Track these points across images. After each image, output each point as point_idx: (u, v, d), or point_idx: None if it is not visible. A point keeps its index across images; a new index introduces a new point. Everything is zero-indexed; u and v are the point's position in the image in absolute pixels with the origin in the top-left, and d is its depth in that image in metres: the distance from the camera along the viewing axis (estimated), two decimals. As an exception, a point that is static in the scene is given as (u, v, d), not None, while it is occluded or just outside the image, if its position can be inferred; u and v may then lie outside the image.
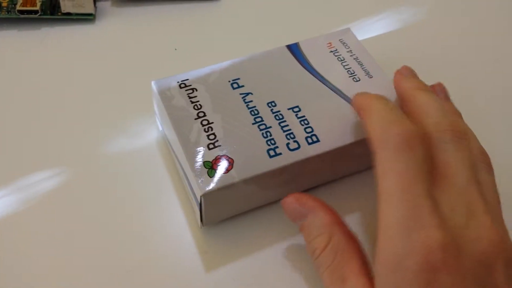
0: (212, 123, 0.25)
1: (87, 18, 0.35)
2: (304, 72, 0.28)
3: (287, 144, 0.24)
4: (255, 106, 0.26)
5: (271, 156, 0.24)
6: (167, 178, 0.27)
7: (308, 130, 0.25)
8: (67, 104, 0.30)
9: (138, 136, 0.29)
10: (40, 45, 0.34)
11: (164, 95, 0.26)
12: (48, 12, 0.34)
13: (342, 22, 0.36)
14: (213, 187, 0.23)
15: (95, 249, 0.25)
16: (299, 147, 0.24)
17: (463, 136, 0.21)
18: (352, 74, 0.28)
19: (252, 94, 0.26)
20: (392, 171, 0.19)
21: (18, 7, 0.33)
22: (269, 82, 0.27)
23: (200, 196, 0.23)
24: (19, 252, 0.24)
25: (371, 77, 0.28)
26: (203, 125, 0.25)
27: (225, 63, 0.28)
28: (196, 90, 0.26)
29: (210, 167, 0.23)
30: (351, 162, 0.27)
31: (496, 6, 0.38)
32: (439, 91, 0.26)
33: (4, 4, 0.34)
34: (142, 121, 0.30)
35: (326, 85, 0.27)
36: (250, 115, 0.25)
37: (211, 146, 0.24)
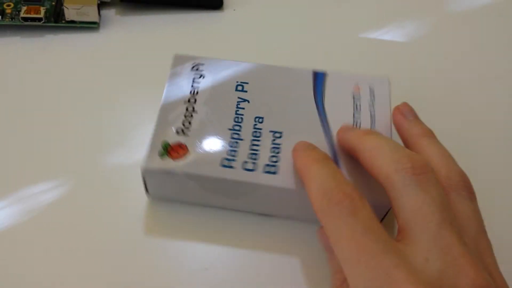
0: (195, 112, 0.26)
1: (91, 26, 0.35)
2: (311, 103, 0.26)
3: (244, 162, 0.24)
4: (242, 115, 0.26)
5: (222, 165, 0.24)
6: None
7: (273, 159, 0.24)
8: (70, 113, 0.30)
9: (142, 147, 0.29)
10: (43, 52, 0.33)
11: (174, 70, 0.28)
12: (52, 19, 0.34)
13: (347, 31, 0.36)
14: (153, 167, 0.24)
15: (96, 261, 0.24)
16: (252, 170, 0.24)
17: (425, 170, 0.19)
18: (355, 124, 0.26)
19: (248, 102, 0.26)
20: (342, 239, 0.18)
21: (22, 14, 0.33)
22: (272, 98, 0.27)
23: (141, 168, 0.24)
24: (20, 263, 0.24)
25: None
26: (187, 111, 0.26)
27: (245, 64, 0.28)
28: (203, 78, 0.27)
29: (166, 148, 0.24)
30: (303, 209, 0.25)
31: (500, 24, 0.39)
32: (406, 112, 0.25)
33: (8, 11, 0.34)
34: (145, 131, 0.30)
35: (323, 126, 0.25)
36: (232, 120, 0.25)
37: (179, 131, 0.25)
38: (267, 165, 0.24)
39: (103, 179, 0.27)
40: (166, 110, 0.26)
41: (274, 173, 0.24)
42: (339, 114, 0.26)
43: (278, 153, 0.24)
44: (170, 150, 0.24)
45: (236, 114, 0.26)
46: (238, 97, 0.26)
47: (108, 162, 0.28)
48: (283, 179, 0.24)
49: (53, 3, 0.35)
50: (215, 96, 0.26)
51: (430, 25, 0.38)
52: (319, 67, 0.35)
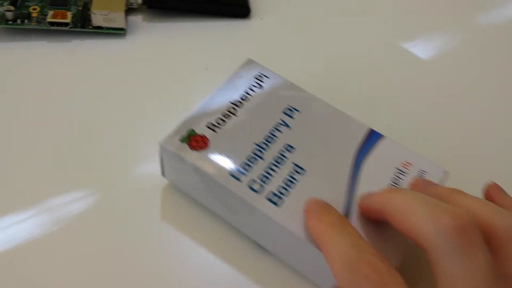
0: (235, 115, 0.26)
1: (118, 32, 0.34)
2: (349, 155, 0.25)
3: (252, 181, 0.23)
4: (276, 137, 0.25)
5: (231, 174, 0.23)
6: (197, 208, 0.26)
7: (282, 190, 0.23)
8: (96, 121, 0.30)
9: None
10: (69, 58, 0.33)
11: (239, 71, 0.28)
12: (79, 25, 0.34)
13: (375, 40, 0.36)
14: (169, 148, 0.24)
15: (121, 273, 0.24)
16: (256, 191, 0.23)
17: (469, 228, 0.17)
18: (215, 124, 0.25)
19: (289, 128, 0.26)
20: None
21: (48, 19, 0.33)
22: (314, 135, 0.25)
23: (159, 144, 0.24)
24: (47, 273, 0.24)
25: None
26: (227, 111, 0.26)
27: (306, 92, 0.27)
28: (260, 88, 0.27)
29: (189, 136, 0.24)
30: (299, 259, 0.24)
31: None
32: (427, 184, 0.23)
33: (34, 15, 0.33)
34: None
35: (350, 181, 0.24)
36: (262, 137, 0.25)
37: (211, 125, 0.25)
38: (273, 193, 0.23)
39: (130, 189, 0.27)
40: (210, 103, 0.26)
41: (276, 204, 0.23)
42: (373, 179, 0.24)
43: (290, 187, 0.23)
44: (192, 139, 0.24)
45: (270, 133, 0.25)
46: (281, 119, 0.26)
47: (135, 172, 0.28)
48: (283, 215, 0.22)
49: (79, 8, 0.35)
50: (261, 109, 0.26)
51: (460, 38, 0.38)
52: (340, 76, 0.34)
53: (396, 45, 0.36)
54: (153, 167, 0.28)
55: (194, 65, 0.34)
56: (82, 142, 0.29)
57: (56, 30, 0.34)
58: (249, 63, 0.28)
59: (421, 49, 0.37)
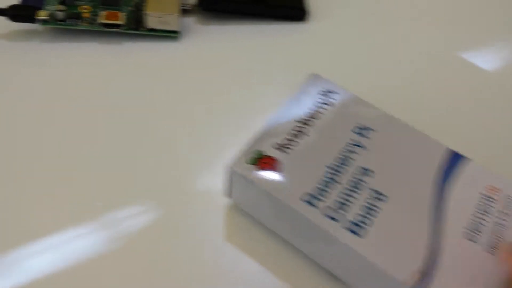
0: (306, 135, 0.24)
1: (171, 35, 0.33)
2: (428, 180, 0.23)
3: (328, 207, 0.22)
4: (350, 158, 0.23)
5: (303, 199, 0.22)
6: (264, 231, 0.25)
7: (362, 219, 0.21)
8: (152, 129, 0.28)
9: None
10: (122, 61, 0.32)
11: (304, 87, 0.26)
12: (132, 26, 0.32)
13: (439, 48, 0.34)
14: (237, 170, 0.23)
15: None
16: (335, 219, 0.21)
17: None
18: (472, 230, 0.22)
19: (363, 149, 0.24)
20: None
21: (101, 20, 0.31)
22: (391, 157, 0.24)
23: (228, 166, 0.23)
24: (109, 298, 0.23)
25: (492, 251, 0.21)
26: (295, 131, 0.24)
27: (378, 110, 0.25)
28: (328, 104, 0.26)
29: (257, 158, 0.23)
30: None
31: None
32: None
33: (86, 15, 0.32)
34: (236, 153, 0.28)
35: (434, 209, 0.22)
36: (334, 159, 0.23)
37: (279, 146, 0.24)
38: (353, 223, 0.21)
39: (193, 206, 0.26)
40: (275, 121, 0.25)
41: (358, 235, 0.21)
42: (458, 206, 0.22)
43: (372, 215, 0.22)
44: (261, 161, 0.23)
45: (343, 155, 0.24)
46: (354, 139, 0.24)
47: (197, 188, 0.26)
48: (368, 247, 0.21)
49: (131, 9, 0.33)
50: (330, 128, 0.24)
51: (527, 48, 0.36)
52: (404, 88, 0.32)
53: (458, 56, 0.35)
54: (215, 184, 0.26)
55: (251, 72, 0.32)
56: (138, 154, 0.27)
57: (107, 32, 0.32)
58: (314, 77, 0.27)
59: (487, 59, 0.35)
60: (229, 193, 0.25)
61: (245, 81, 0.31)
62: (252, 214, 0.25)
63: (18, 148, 0.27)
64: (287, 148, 0.24)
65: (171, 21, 0.32)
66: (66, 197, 0.25)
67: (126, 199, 0.26)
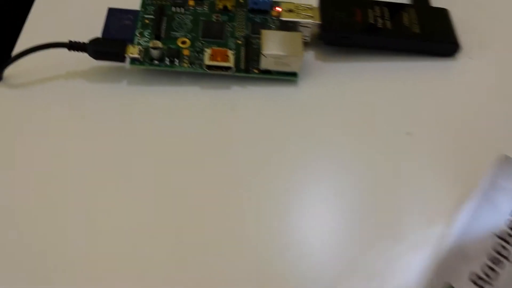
0: (508, 260, 0.18)
1: (290, 78, 0.26)
2: None
3: None
4: None
5: None
6: None
7: None
8: (275, 191, 0.22)
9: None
10: (231, 111, 0.25)
11: (494, 177, 0.20)
12: (241, 67, 0.26)
13: None
14: None
15: None
16: None
17: None
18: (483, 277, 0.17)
19: None
20: None
21: (206, 61, 0.25)
22: None
23: None
24: None
25: None
26: (497, 252, 0.18)
27: None
28: None
29: None
30: None
31: None
32: None
33: (185, 52, 0.26)
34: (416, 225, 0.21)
35: None
36: None
37: (476, 279, 0.17)
38: None
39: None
40: (462, 233, 0.18)
41: None
42: None
43: None
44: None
45: None
46: None
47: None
48: None
49: (239, 42, 0.26)
50: None
51: None
52: None
53: None
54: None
55: (390, 125, 0.25)
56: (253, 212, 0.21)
57: (211, 74, 0.26)
58: (507, 161, 0.20)
59: None
60: None
61: (387, 143, 0.25)
62: None
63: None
64: (488, 283, 0.17)
65: (292, 63, 0.25)
66: None
67: None
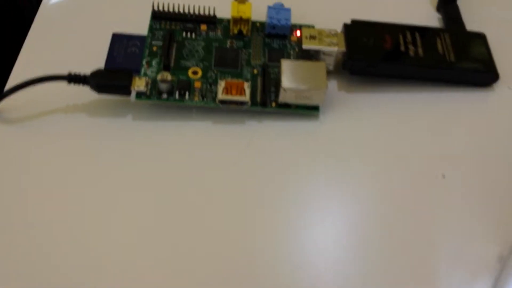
0: None
1: (311, 113, 0.24)
2: None
3: None
4: None
5: None
6: None
7: None
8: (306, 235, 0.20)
9: None
10: (245, 148, 0.23)
11: None
12: (258, 102, 0.23)
13: None
14: None
15: None
16: None
17: None
18: None
19: None
20: None
21: (220, 96, 0.22)
22: None
23: None
24: None
25: None
26: None
27: None
28: None
29: None
30: None
31: None
32: None
33: (197, 85, 0.23)
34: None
35: None
36: None
37: None
38: None
39: None
40: None
41: None
42: None
43: None
44: None
45: None
46: None
47: None
48: None
49: (255, 72, 0.24)
50: None
51: None
52: None
53: None
54: None
55: (421, 165, 0.23)
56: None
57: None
58: None
59: None
60: None
61: (420, 188, 0.22)
62: None
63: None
64: None
65: (314, 96, 0.23)
66: None
67: None
